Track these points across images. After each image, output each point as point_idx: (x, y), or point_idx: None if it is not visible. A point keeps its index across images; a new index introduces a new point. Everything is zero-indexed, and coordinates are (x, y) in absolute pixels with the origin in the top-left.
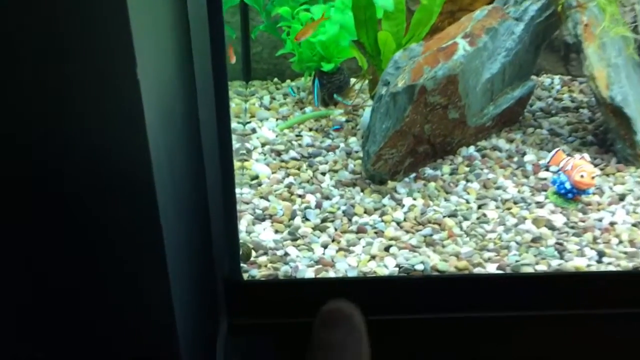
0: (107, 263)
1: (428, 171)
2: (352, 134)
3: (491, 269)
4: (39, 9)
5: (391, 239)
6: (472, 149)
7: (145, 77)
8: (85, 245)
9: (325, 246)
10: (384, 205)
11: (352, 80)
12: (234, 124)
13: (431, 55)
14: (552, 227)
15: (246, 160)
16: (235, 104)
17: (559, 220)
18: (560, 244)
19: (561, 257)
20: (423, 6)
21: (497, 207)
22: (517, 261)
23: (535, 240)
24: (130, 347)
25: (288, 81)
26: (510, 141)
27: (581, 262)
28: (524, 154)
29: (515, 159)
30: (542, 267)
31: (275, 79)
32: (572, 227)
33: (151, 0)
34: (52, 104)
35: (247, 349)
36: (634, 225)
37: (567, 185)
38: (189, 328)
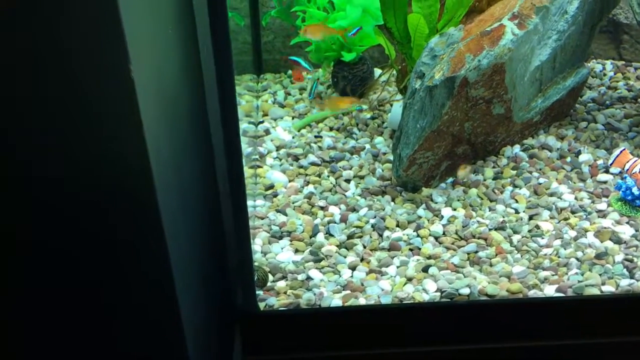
0: (109, 294)
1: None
2: (379, 133)
3: (549, 291)
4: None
5: (429, 257)
6: (517, 148)
7: (142, 75)
8: (84, 272)
9: (353, 268)
10: (419, 217)
11: (377, 71)
12: (244, 125)
13: (474, 41)
14: (618, 241)
15: (259, 166)
16: (245, 101)
17: (626, 231)
18: (630, 260)
19: (631, 276)
20: None
21: (552, 218)
22: (579, 281)
23: (600, 256)
24: None
25: (304, 74)
26: (561, 138)
27: None
28: (578, 153)
29: (569, 159)
30: (609, 288)
31: (290, 72)
32: None
33: None
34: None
35: None
36: None
37: (635, 191)
38: None
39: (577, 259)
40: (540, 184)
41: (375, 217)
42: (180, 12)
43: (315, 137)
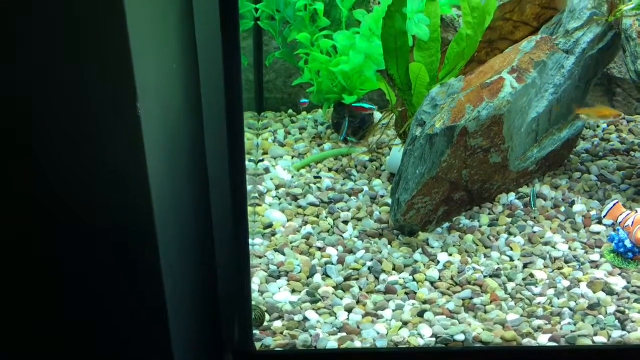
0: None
1: (464, 221)
2: (377, 176)
3: (543, 340)
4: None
5: (425, 302)
6: (512, 196)
7: (149, 113)
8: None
9: (349, 310)
10: (416, 262)
11: (377, 114)
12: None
13: (474, 93)
14: (611, 292)
15: (259, 205)
16: (247, 139)
17: (618, 283)
18: (622, 312)
19: (623, 328)
20: (466, 36)
21: (546, 267)
22: (572, 331)
23: (593, 307)
24: None
25: (304, 114)
26: (556, 188)
27: None
28: (572, 203)
29: (563, 208)
30: (601, 339)
31: (290, 111)
32: (635, 292)
33: (155, 30)
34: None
35: None
36: None
37: (628, 244)
38: None
39: (570, 309)
40: (534, 232)
41: (372, 259)
42: (184, 47)
43: (315, 177)
